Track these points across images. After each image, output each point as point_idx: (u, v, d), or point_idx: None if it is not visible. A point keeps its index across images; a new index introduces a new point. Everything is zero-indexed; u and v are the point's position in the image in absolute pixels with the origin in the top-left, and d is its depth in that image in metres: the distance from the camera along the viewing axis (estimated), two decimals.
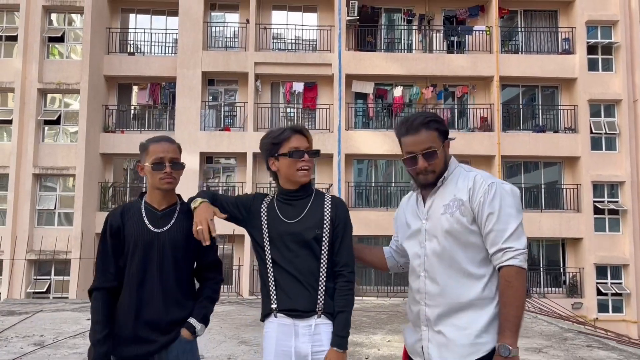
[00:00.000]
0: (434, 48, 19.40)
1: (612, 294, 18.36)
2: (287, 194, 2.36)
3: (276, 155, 2.33)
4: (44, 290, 17.42)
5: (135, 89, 19.47)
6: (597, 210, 18.49)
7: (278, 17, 19.87)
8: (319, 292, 2.24)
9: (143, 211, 2.40)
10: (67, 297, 15.74)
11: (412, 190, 2.31)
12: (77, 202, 17.41)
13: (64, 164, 17.94)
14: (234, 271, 18.07)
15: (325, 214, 2.30)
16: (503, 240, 1.99)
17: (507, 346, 1.92)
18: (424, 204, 2.20)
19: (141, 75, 18.85)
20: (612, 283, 18.37)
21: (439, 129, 2.15)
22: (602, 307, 18.32)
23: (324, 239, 2.27)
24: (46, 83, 18.10)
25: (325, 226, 2.28)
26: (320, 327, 2.24)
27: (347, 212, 2.36)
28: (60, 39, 18.88)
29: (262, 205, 2.38)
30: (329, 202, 2.35)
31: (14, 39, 18.53)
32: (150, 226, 2.36)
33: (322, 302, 2.23)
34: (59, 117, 18.45)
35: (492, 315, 2.03)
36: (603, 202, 18.63)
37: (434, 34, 19.49)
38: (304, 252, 2.25)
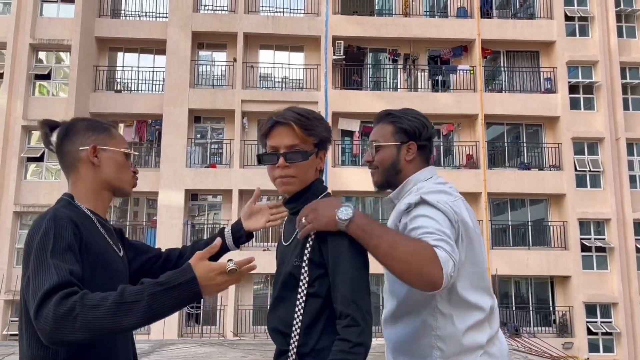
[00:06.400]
0: (419, 87, 19.65)
1: (603, 333, 18.12)
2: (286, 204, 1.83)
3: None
4: None
5: (121, 126, 19.39)
6: (584, 248, 18.43)
7: (265, 56, 20.08)
8: (292, 334, 1.65)
9: (98, 225, 1.63)
10: None
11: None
12: None
13: (47, 201, 17.60)
14: (217, 311, 17.64)
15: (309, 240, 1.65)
16: None
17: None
18: None
19: (128, 112, 18.81)
20: (602, 322, 18.16)
21: (396, 124, 1.88)
22: (593, 347, 18.04)
23: (302, 273, 1.65)
24: (30, 120, 17.96)
25: (305, 257, 1.64)
26: None
27: (342, 239, 1.61)
28: (47, 77, 18.88)
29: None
30: None
31: None
32: (115, 247, 1.67)
33: (295, 341, 1.63)
34: (43, 154, 18.27)
35: None
36: (590, 239, 18.61)
37: (419, 73, 19.78)
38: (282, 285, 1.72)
